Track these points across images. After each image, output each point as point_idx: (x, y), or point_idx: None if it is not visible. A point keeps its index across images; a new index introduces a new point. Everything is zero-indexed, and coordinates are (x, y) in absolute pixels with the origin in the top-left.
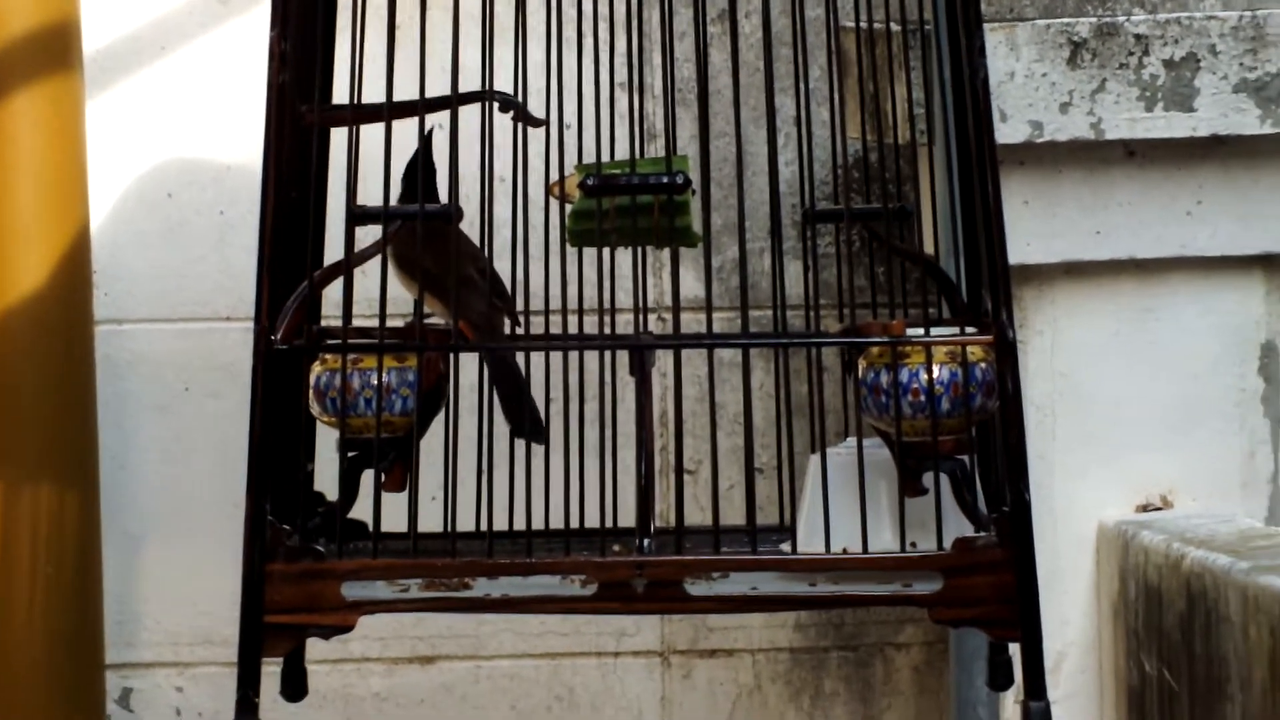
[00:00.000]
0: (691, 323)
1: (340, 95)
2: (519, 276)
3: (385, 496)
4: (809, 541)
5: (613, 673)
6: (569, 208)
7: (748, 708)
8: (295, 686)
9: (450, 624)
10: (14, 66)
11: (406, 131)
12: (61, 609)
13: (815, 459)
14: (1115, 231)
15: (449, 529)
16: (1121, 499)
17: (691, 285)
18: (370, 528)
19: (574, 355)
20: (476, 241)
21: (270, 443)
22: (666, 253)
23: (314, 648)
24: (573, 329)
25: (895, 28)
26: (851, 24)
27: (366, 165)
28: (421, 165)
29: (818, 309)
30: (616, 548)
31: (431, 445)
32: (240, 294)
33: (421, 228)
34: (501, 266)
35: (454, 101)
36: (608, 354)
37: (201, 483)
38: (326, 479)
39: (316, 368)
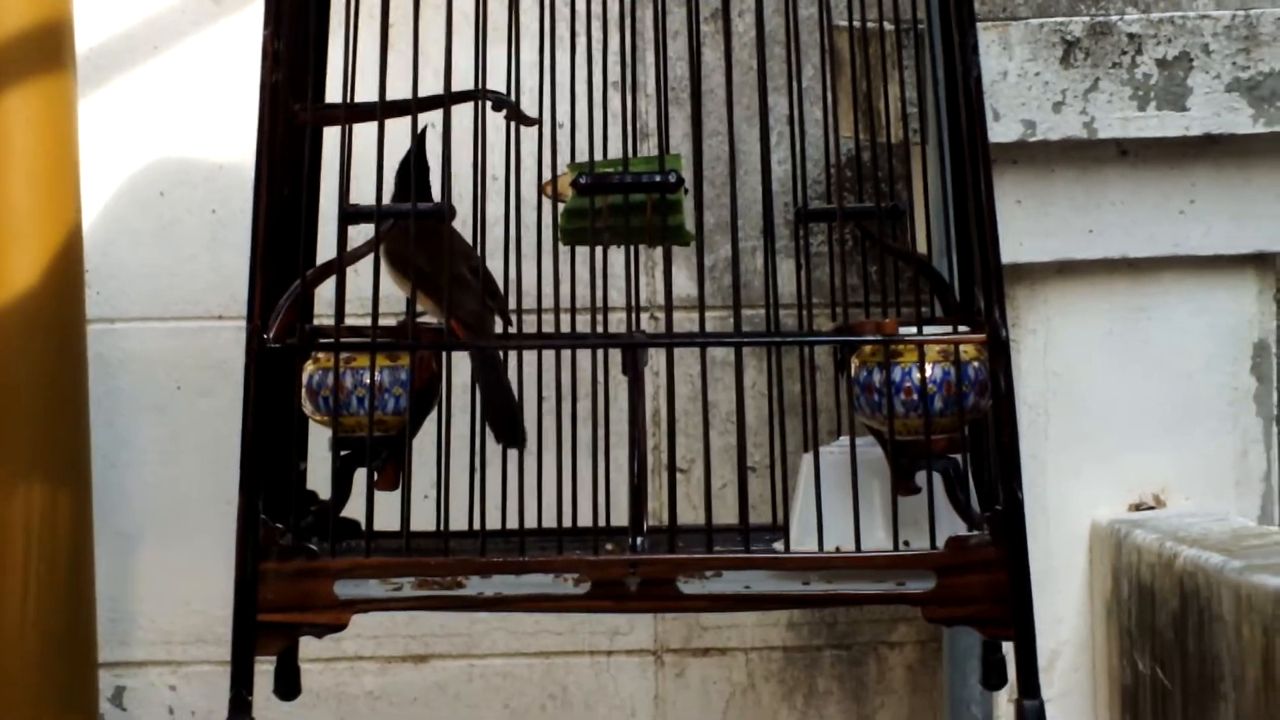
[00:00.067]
0: (684, 321)
1: (333, 94)
2: (511, 275)
3: (378, 495)
4: (802, 540)
5: (606, 671)
6: (562, 206)
7: (741, 706)
8: (288, 685)
9: (443, 623)
10: (7, 64)
11: (399, 130)
12: (54, 608)
13: (808, 458)
14: (1108, 230)
15: (442, 528)
16: (1114, 498)
17: (684, 284)
18: (363, 526)
19: (566, 354)
20: (470, 240)
21: (263, 441)
22: (659, 251)
23: (307, 646)
24: (565, 327)
25: (888, 27)
26: (845, 23)
27: (359, 164)
28: (414, 164)
29: (810, 308)
30: (609, 546)
31: (424, 444)
32: (233, 292)
33: (414, 226)
34: (494, 265)
35: (447, 100)
36: (600, 352)
37: (194, 481)
38: (319, 478)
39: (309, 366)
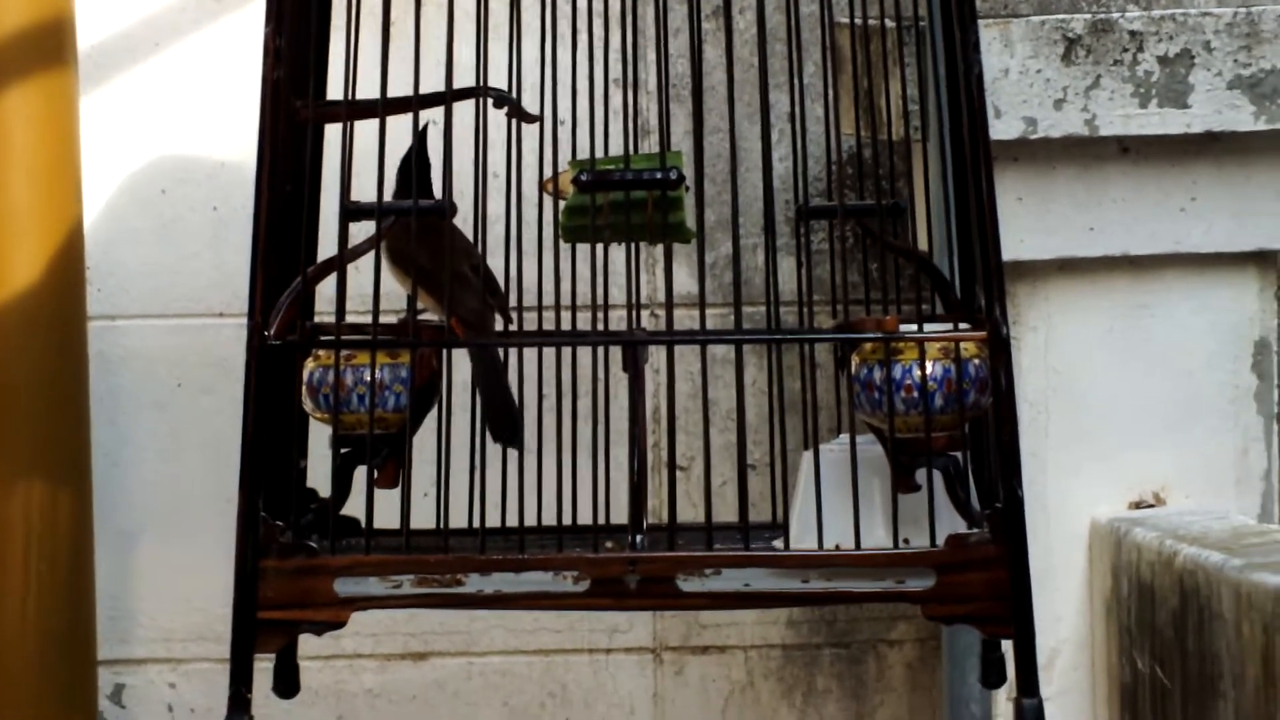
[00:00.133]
0: (684, 319)
1: (334, 91)
2: (512, 272)
3: (378, 493)
4: (802, 538)
5: (605, 669)
6: (563, 204)
7: (740, 704)
8: (288, 683)
9: (442, 620)
10: (8, 62)
11: (401, 127)
12: (54, 605)
13: (808, 455)
14: (1109, 228)
15: (441, 525)
16: (1114, 496)
17: (685, 281)
18: (363, 524)
19: (567, 351)
20: (470, 237)
21: (263, 439)
22: (660, 249)
23: (306, 644)
24: (566, 325)
25: (890, 24)
26: (846, 20)
27: (360, 161)
28: (416, 161)
29: (811, 305)
30: (609, 544)
31: (424, 442)
32: (234, 290)
33: (415, 224)
34: (495, 262)
35: (448, 97)
36: (600, 350)
37: (194, 479)
38: (319, 475)
39: (310, 364)
